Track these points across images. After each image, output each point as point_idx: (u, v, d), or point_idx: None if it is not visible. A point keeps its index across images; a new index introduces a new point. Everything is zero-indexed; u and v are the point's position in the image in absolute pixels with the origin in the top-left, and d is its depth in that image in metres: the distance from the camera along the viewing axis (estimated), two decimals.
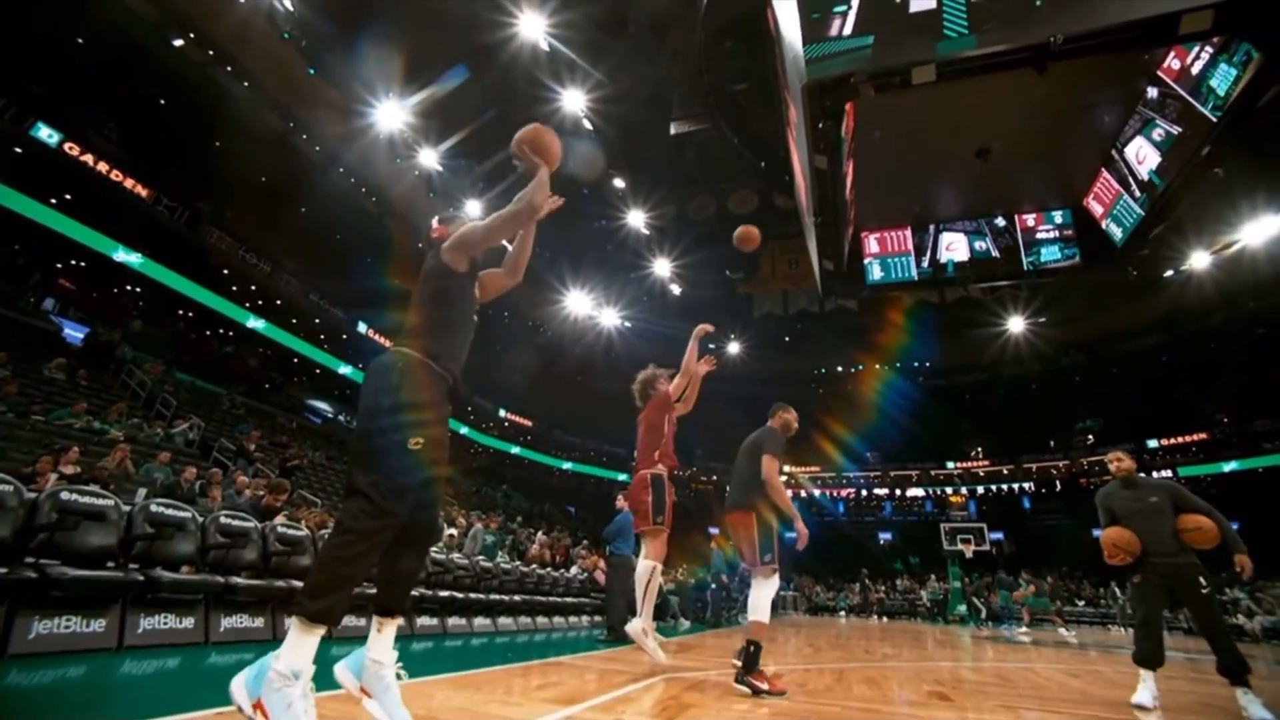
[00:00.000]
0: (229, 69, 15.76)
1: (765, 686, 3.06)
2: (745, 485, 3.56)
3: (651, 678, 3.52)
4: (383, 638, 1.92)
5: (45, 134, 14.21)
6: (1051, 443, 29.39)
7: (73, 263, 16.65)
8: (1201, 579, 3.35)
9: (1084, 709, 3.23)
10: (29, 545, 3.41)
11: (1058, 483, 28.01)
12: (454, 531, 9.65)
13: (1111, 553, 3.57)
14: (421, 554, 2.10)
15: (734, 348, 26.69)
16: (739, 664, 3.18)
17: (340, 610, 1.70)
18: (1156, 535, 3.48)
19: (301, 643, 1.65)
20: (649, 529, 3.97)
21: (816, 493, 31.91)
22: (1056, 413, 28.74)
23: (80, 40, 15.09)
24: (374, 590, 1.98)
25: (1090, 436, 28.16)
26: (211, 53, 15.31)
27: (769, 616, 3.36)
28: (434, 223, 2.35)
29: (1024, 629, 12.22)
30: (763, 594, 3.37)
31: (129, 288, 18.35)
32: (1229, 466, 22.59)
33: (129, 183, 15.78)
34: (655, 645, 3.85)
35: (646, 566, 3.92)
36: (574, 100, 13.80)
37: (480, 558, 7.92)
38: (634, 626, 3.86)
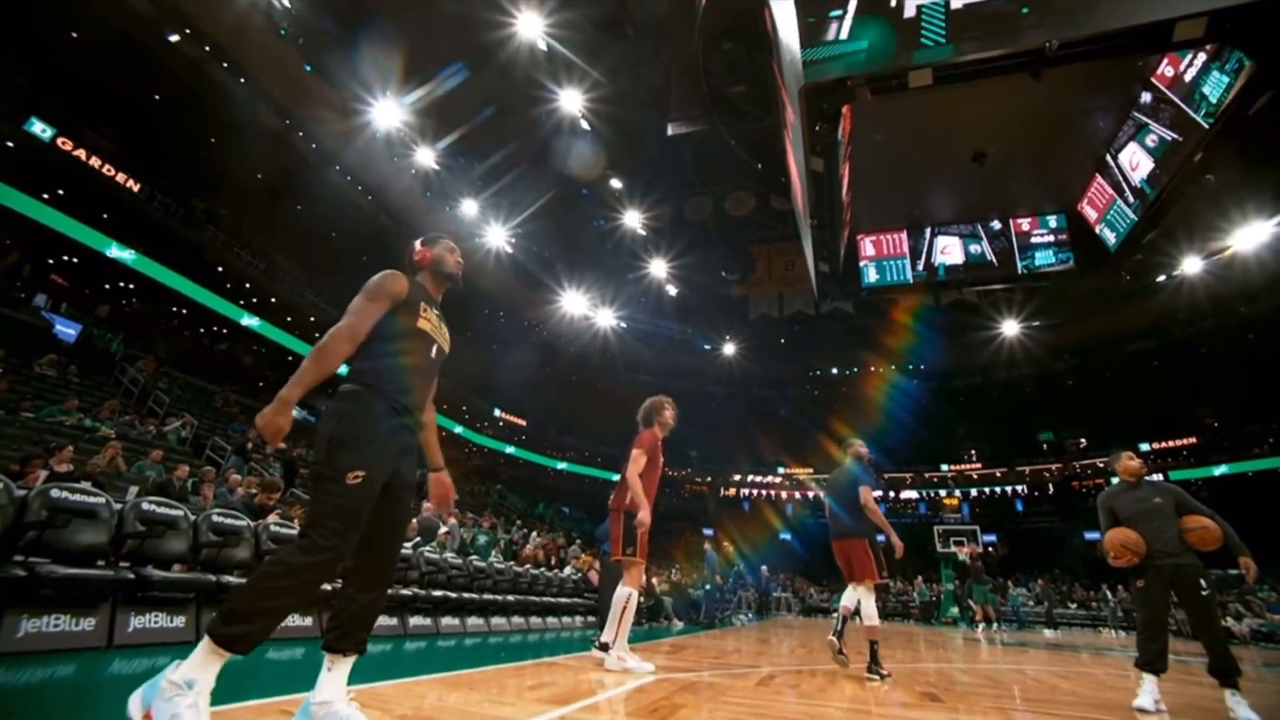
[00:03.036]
0: (225, 65, 15.70)
1: (887, 671, 3.97)
2: (853, 515, 4.27)
3: (644, 678, 3.52)
4: (333, 676, 1.78)
5: (39, 129, 14.10)
6: (1044, 446, 29.55)
7: (65, 258, 16.53)
8: (1202, 580, 3.35)
9: (1076, 711, 3.25)
10: (18, 543, 3.38)
11: (1050, 486, 28.16)
12: (446, 529, 9.64)
13: (1118, 553, 3.52)
14: (382, 588, 1.95)
15: (729, 349, 26.71)
16: (868, 661, 4.00)
17: (256, 639, 1.60)
18: (1160, 535, 3.47)
19: (207, 662, 1.57)
20: (622, 559, 3.99)
21: (811, 493, 31.91)
22: (1050, 416, 28.90)
23: (75, 35, 14.98)
24: (329, 627, 1.83)
25: (1083, 440, 28.33)
26: (208, 49, 15.24)
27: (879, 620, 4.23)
28: (417, 244, 2.24)
29: (980, 627, 12.65)
30: (872, 602, 4.19)
31: (122, 284, 18.21)
32: (1219, 470, 22.72)
33: (122, 178, 15.68)
34: (637, 661, 3.80)
35: (623, 593, 3.90)
36: (571, 100, 13.80)
37: (474, 557, 7.90)
38: (610, 662, 3.82)
